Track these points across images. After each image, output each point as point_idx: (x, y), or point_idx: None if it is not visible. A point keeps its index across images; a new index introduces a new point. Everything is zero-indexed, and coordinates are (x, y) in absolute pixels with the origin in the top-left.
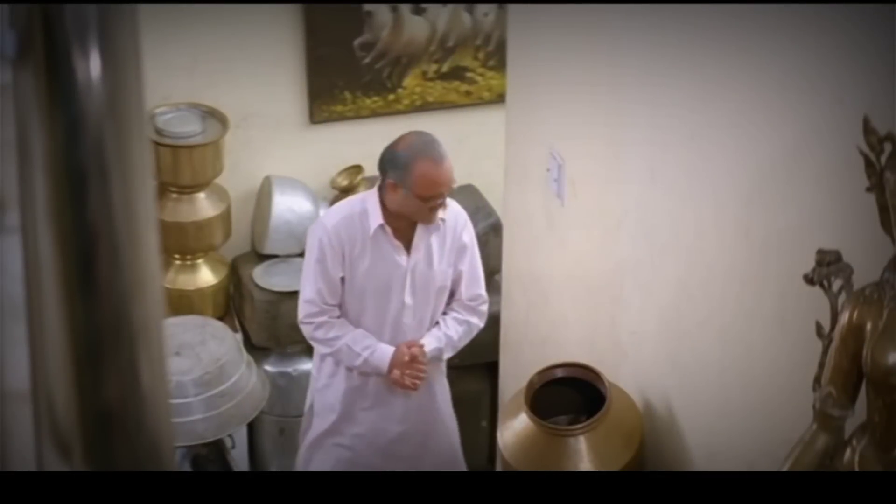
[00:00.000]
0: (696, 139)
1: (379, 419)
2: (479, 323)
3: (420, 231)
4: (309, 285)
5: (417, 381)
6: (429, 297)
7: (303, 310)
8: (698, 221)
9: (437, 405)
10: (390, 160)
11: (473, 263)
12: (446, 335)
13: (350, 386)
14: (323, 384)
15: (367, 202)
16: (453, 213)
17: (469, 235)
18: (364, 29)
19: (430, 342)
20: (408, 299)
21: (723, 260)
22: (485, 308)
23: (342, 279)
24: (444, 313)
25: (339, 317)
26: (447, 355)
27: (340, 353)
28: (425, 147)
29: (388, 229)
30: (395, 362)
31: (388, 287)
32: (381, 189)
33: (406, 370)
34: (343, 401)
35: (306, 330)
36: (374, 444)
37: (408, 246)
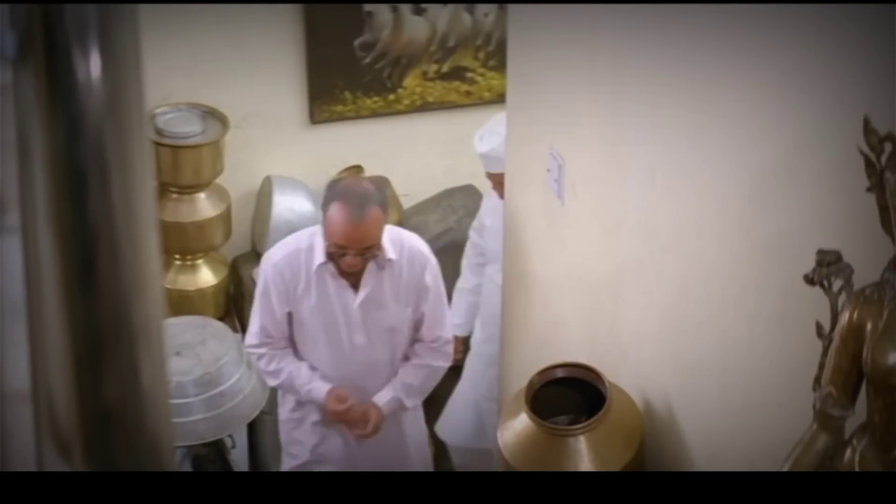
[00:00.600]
0: (696, 139)
1: (348, 458)
2: (443, 364)
3: (370, 268)
4: (255, 318)
5: (362, 434)
6: (383, 337)
7: (247, 340)
8: (699, 221)
9: (406, 447)
10: (326, 190)
11: (437, 305)
12: (404, 383)
13: (317, 421)
14: (286, 417)
15: (314, 237)
16: (409, 252)
17: (432, 276)
18: (364, 29)
19: (385, 394)
20: (358, 339)
21: (723, 260)
22: (449, 349)
23: (290, 314)
24: (407, 357)
25: (284, 348)
26: (411, 403)
27: (284, 386)
28: (351, 196)
29: (332, 267)
30: (327, 409)
31: (336, 325)
32: None
33: (341, 420)
34: (311, 436)
35: (252, 360)
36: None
37: (356, 284)
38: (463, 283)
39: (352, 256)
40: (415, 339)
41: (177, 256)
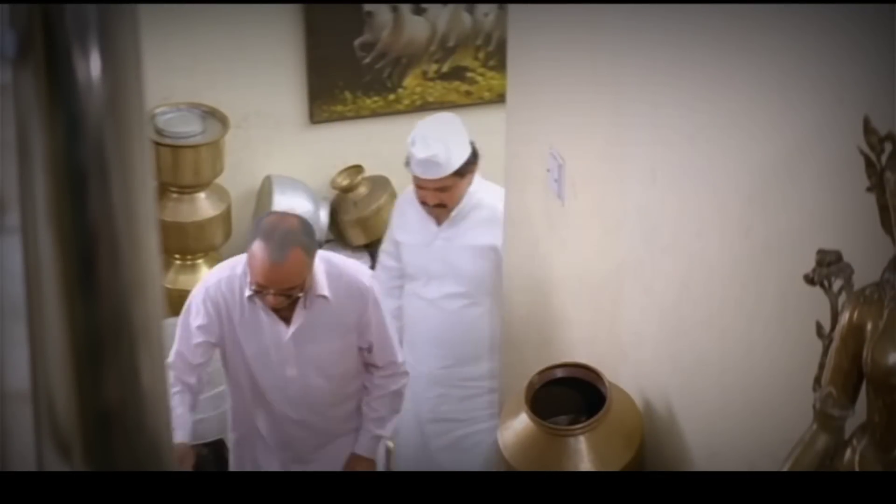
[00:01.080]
0: (696, 139)
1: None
2: (403, 383)
3: (299, 305)
4: (174, 346)
5: None
6: (321, 372)
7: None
8: (699, 221)
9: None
10: (253, 223)
11: (383, 333)
12: (374, 419)
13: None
14: (231, 439)
15: (245, 266)
16: (347, 287)
17: (374, 309)
18: (364, 29)
19: (364, 442)
20: (290, 371)
21: (723, 260)
22: (404, 368)
23: (214, 343)
24: (365, 387)
25: (181, 390)
26: (389, 431)
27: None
28: (272, 235)
29: (260, 300)
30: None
31: (268, 357)
32: None
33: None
34: (257, 460)
35: None
36: None
37: (287, 317)
38: None
39: (272, 296)
40: (369, 364)
41: (177, 256)
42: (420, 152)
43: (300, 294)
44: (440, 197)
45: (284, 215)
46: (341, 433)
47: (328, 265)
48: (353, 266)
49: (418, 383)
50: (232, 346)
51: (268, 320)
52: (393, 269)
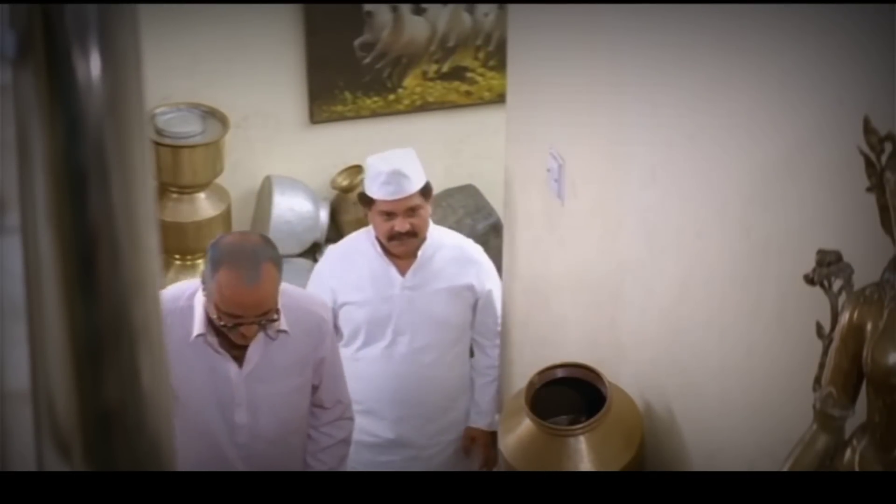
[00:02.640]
0: (696, 139)
1: None
2: (350, 430)
3: (257, 340)
4: None
5: None
6: (273, 416)
7: None
8: (699, 221)
9: None
10: (209, 250)
11: (334, 370)
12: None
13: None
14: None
15: (194, 297)
16: (306, 321)
17: (330, 344)
18: (364, 29)
19: None
20: (240, 418)
21: (723, 260)
22: (351, 412)
23: None
24: (312, 441)
25: None
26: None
27: None
28: (241, 256)
29: (212, 337)
30: None
31: (214, 402)
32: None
33: None
34: None
35: None
36: None
37: (239, 357)
38: None
39: (247, 326)
40: (314, 406)
41: (176, 256)
42: (386, 165)
43: (275, 317)
44: (411, 223)
45: (243, 234)
46: None
47: (284, 297)
48: (309, 297)
49: (382, 451)
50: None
51: (216, 363)
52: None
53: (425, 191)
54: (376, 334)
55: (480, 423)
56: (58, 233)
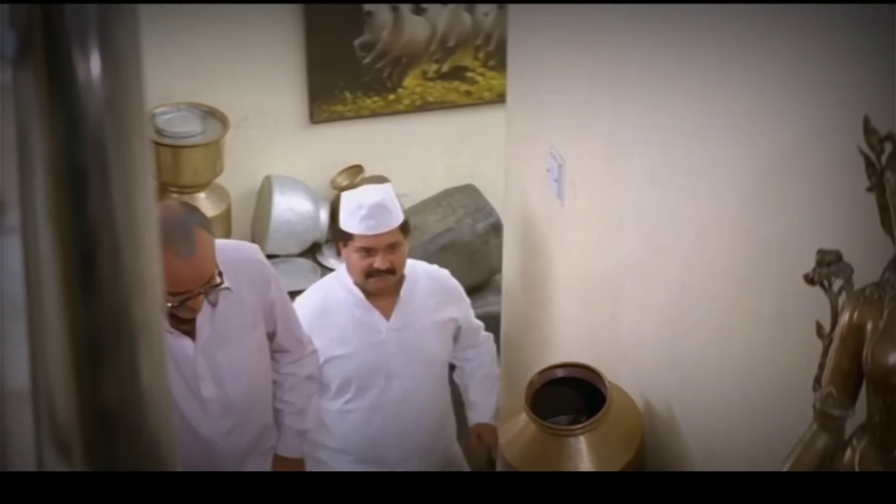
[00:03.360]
0: (696, 139)
1: None
2: (314, 366)
3: (203, 310)
4: None
5: None
6: (238, 381)
7: None
8: (698, 221)
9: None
10: None
11: (286, 313)
12: (293, 414)
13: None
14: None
15: None
16: (245, 268)
17: (275, 287)
18: (364, 29)
19: (288, 445)
20: (207, 392)
21: (723, 260)
22: (313, 350)
23: None
24: (277, 385)
25: None
26: (312, 423)
27: None
28: (172, 233)
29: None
30: None
31: (178, 382)
32: None
33: None
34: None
35: None
36: None
37: (190, 330)
38: None
39: (194, 299)
40: (274, 351)
41: None
42: (367, 199)
43: (218, 282)
44: (391, 259)
45: (163, 207)
46: (265, 446)
47: (217, 254)
48: (240, 245)
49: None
50: None
51: (170, 339)
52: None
53: (404, 226)
54: (368, 383)
55: (484, 418)
56: (58, 233)
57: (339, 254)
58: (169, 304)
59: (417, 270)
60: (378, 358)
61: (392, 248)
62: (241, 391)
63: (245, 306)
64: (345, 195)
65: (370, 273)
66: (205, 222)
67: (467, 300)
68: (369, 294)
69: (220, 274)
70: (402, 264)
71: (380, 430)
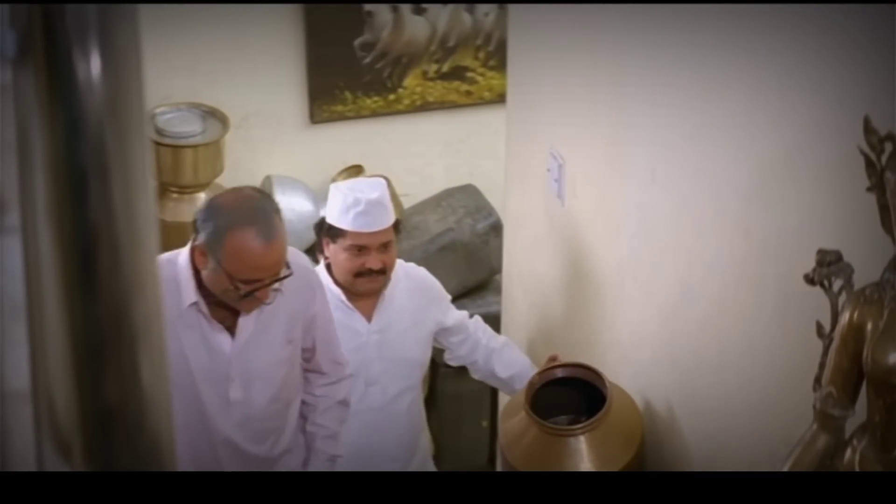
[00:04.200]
0: (696, 139)
1: None
2: (348, 390)
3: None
4: None
5: None
6: (265, 389)
7: None
8: (698, 221)
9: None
10: (204, 217)
11: (327, 328)
12: (326, 438)
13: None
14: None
15: (178, 267)
16: (297, 275)
17: (321, 297)
18: (364, 29)
19: (318, 463)
20: (234, 394)
21: (723, 260)
22: (347, 371)
23: None
24: (309, 407)
25: None
26: (342, 448)
27: None
28: (254, 215)
29: (205, 307)
30: None
31: (205, 378)
32: (192, 250)
33: None
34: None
35: None
36: None
37: (231, 326)
38: None
39: (263, 289)
40: (309, 371)
41: None
42: (364, 194)
43: (287, 275)
44: (383, 259)
45: (237, 191)
46: (281, 461)
47: None
48: (292, 250)
49: None
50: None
51: (209, 332)
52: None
53: (397, 224)
54: None
55: (529, 374)
56: (58, 233)
57: (320, 251)
58: (241, 293)
59: (397, 269)
60: (357, 363)
61: (385, 247)
62: (265, 402)
63: (287, 313)
64: (337, 188)
65: (360, 273)
66: (278, 209)
67: (447, 297)
68: (350, 295)
69: (288, 266)
70: (394, 264)
71: (356, 440)
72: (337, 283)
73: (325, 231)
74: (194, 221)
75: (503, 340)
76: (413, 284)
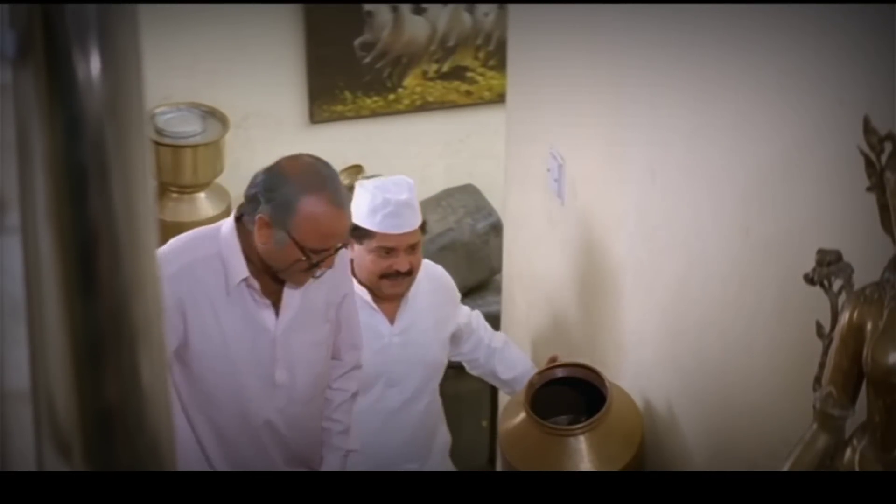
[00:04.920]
0: (696, 139)
1: None
2: (359, 379)
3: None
4: None
5: None
6: (307, 375)
7: None
8: (698, 221)
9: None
10: (268, 187)
11: (351, 311)
12: (340, 433)
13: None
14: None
15: (222, 242)
16: (338, 256)
17: (349, 278)
18: (364, 29)
19: (335, 466)
20: (280, 377)
21: (723, 260)
22: (361, 359)
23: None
24: (326, 400)
25: None
26: (354, 442)
27: None
28: (324, 182)
29: (256, 283)
30: None
31: (249, 360)
32: (240, 224)
33: None
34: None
35: None
36: None
37: (276, 303)
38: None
39: (329, 258)
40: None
41: None
42: (393, 194)
43: (347, 244)
44: (410, 261)
45: (295, 158)
46: (314, 456)
47: None
48: None
49: None
50: (196, 354)
51: (255, 309)
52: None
53: (423, 226)
54: (364, 391)
55: (529, 374)
56: (58, 233)
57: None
58: (313, 262)
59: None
60: (378, 365)
61: (413, 248)
62: (308, 386)
63: (327, 290)
64: (364, 188)
65: (386, 275)
66: (338, 173)
67: (458, 295)
68: (375, 296)
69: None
70: (419, 266)
71: (373, 440)
72: (361, 283)
73: (357, 234)
74: (253, 194)
75: (503, 338)
76: (434, 285)
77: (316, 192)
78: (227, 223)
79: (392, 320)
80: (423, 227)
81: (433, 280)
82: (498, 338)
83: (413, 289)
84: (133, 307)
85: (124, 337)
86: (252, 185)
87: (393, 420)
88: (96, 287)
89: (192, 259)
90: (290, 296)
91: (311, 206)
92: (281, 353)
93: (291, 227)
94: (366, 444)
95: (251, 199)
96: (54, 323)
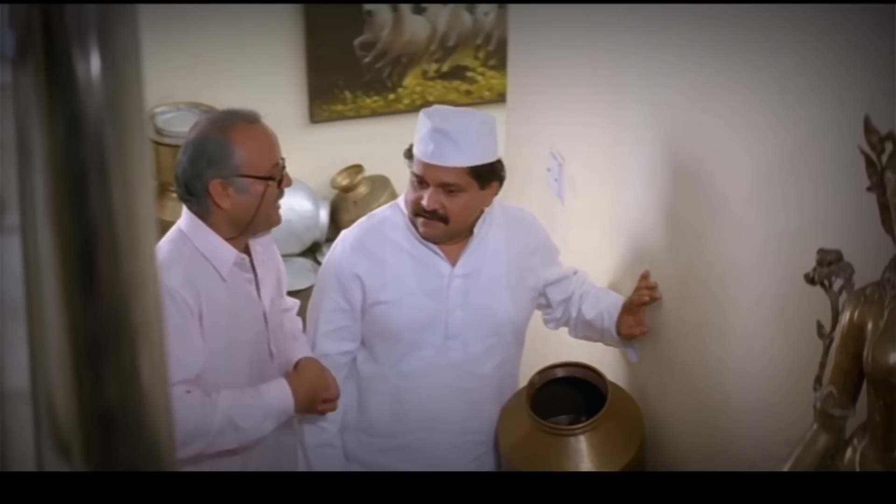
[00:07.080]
0: (696, 139)
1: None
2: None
3: (258, 249)
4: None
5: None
6: (287, 336)
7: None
8: (699, 221)
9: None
10: (196, 157)
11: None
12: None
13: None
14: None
15: (195, 235)
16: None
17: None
18: (364, 28)
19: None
20: (274, 346)
21: (723, 260)
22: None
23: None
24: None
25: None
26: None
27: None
28: (228, 116)
29: (246, 259)
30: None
31: (250, 336)
32: (197, 209)
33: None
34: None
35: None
36: None
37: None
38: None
39: (285, 174)
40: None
41: None
42: (434, 121)
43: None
44: (440, 201)
45: (193, 126)
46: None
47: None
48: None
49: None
50: (209, 341)
51: (244, 285)
52: (349, 351)
53: (481, 174)
54: (421, 341)
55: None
56: (58, 233)
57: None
58: (276, 180)
59: (495, 209)
60: (435, 309)
61: (447, 189)
62: (285, 350)
63: (277, 250)
64: (425, 112)
65: (416, 211)
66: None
67: (556, 249)
68: None
69: None
70: (461, 215)
71: (426, 401)
72: (410, 218)
73: (408, 154)
74: (189, 178)
75: (602, 290)
76: (516, 231)
77: (230, 126)
78: (184, 221)
79: (454, 261)
80: (481, 176)
81: (516, 225)
82: (590, 286)
83: (484, 229)
84: (133, 307)
85: (124, 337)
86: (182, 174)
87: (455, 378)
88: (96, 287)
89: (178, 256)
90: (264, 274)
91: (238, 136)
92: (268, 322)
93: (241, 167)
94: (423, 405)
95: (192, 182)
96: (54, 323)
